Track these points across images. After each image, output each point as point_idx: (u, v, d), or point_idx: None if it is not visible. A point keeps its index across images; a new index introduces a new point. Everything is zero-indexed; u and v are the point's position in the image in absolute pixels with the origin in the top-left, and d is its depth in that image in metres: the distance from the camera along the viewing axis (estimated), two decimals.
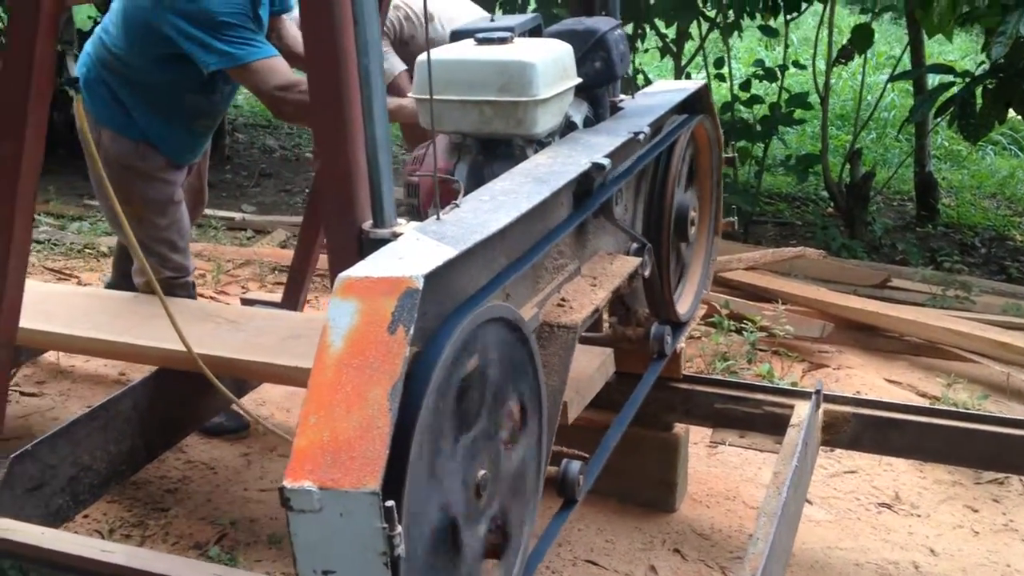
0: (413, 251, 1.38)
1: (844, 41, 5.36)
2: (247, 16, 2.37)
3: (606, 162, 1.85)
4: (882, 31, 9.51)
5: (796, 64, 5.44)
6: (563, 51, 2.05)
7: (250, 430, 3.15)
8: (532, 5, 5.52)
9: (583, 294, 1.93)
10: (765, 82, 5.30)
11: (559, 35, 2.16)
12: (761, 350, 3.69)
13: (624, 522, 2.71)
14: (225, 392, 2.37)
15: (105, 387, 3.35)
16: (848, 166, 5.47)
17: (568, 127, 2.12)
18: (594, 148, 1.96)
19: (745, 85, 5.35)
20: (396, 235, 1.50)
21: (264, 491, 2.86)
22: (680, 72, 5.41)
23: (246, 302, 3.11)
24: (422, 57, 2.07)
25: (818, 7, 5.37)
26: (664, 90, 2.49)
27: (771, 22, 5.21)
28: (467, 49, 2.00)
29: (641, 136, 2.05)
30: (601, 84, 2.20)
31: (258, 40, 2.37)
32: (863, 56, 5.33)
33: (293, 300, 3.02)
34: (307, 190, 6.34)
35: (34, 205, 1.81)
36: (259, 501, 2.81)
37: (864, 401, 2.56)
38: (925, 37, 5.35)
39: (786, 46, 5.35)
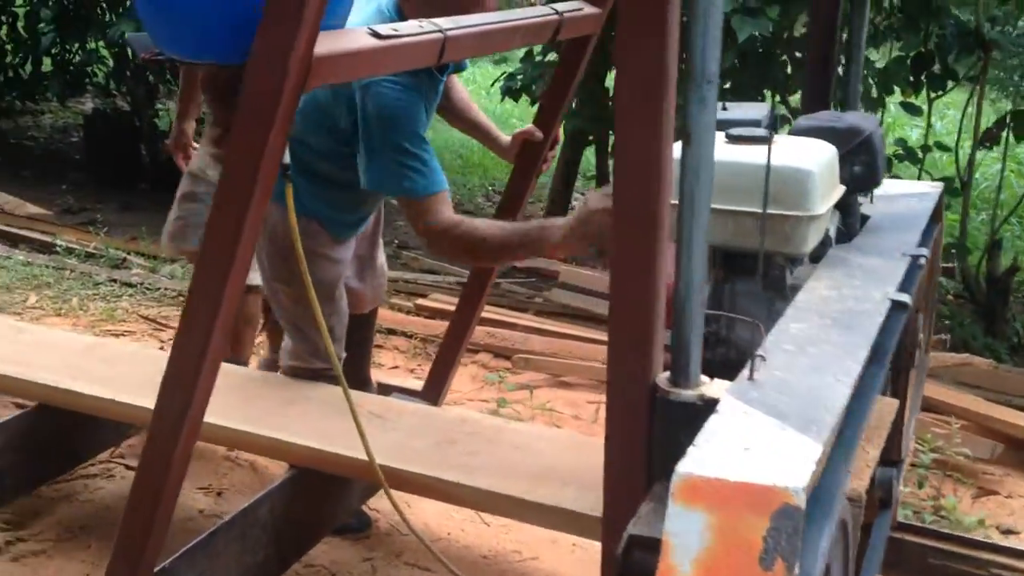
0: (757, 436, 1.07)
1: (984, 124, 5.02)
2: (421, 138, 2.10)
3: (907, 299, 1.54)
4: None
5: (939, 146, 5.11)
6: (832, 155, 1.75)
7: (371, 530, 2.84)
8: None
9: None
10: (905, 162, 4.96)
11: (813, 132, 1.86)
12: (929, 469, 3.32)
13: None
14: (405, 520, 2.08)
15: (214, 464, 3.07)
16: (986, 257, 5.11)
17: (822, 242, 1.81)
18: (874, 275, 1.65)
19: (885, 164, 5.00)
20: (705, 399, 1.20)
21: None
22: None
23: (384, 388, 2.82)
24: None
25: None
26: (905, 193, 2.18)
27: (913, 99, 4.89)
28: (719, 147, 1.71)
29: (922, 260, 1.74)
30: (859, 191, 1.90)
31: (424, 168, 2.09)
32: (1005, 142, 4.99)
33: (436, 392, 2.72)
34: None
35: (240, 295, 1.53)
36: None
37: None
38: None
39: (928, 125, 5.03)
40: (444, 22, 1.67)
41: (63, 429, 2.64)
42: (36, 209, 5.77)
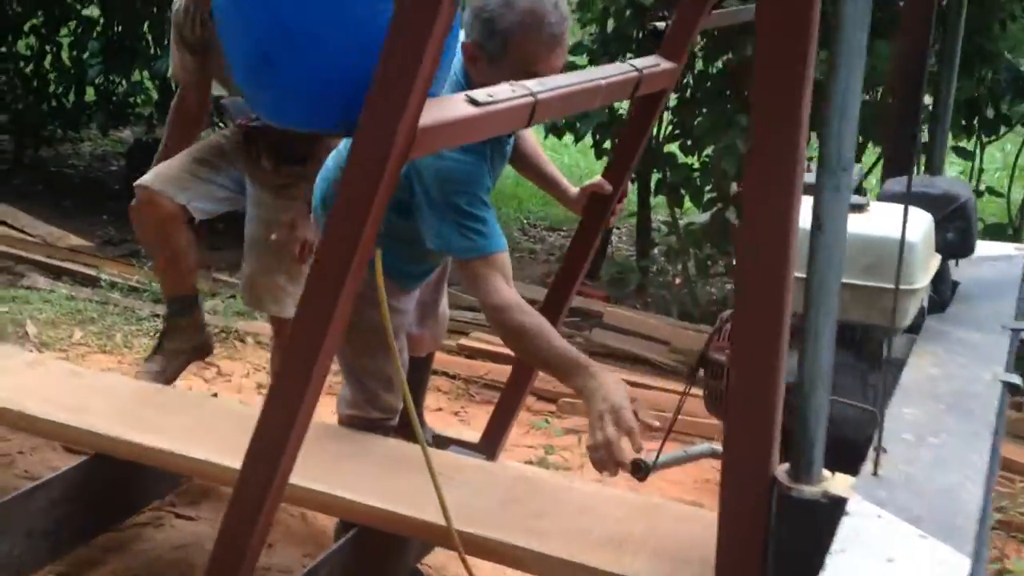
0: (898, 546, 1.02)
1: None
2: (483, 202, 2.08)
3: (1019, 382, 1.48)
4: None
5: (991, 191, 5.03)
6: (929, 224, 1.70)
7: None
8: None
9: None
10: None
11: (905, 197, 1.80)
12: (993, 530, 3.22)
13: None
14: None
15: None
16: None
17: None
18: (977, 352, 1.59)
19: None
20: (830, 497, 1.14)
21: None
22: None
23: (440, 440, 2.77)
24: None
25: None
26: (990, 256, 2.11)
27: (965, 143, 4.82)
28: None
29: None
30: (952, 258, 1.84)
31: (484, 228, 2.07)
32: None
33: (493, 444, 2.67)
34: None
35: (331, 360, 1.49)
36: None
37: None
38: None
39: (980, 171, 4.95)
40: (533, 85, 1.64)
41: (118, 478, 2.61)
42: (78, 240, 5.79)
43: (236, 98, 1.59)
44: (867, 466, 1.18)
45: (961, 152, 4.87)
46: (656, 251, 6.15)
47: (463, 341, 4.69)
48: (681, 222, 5.45)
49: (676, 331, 4.78)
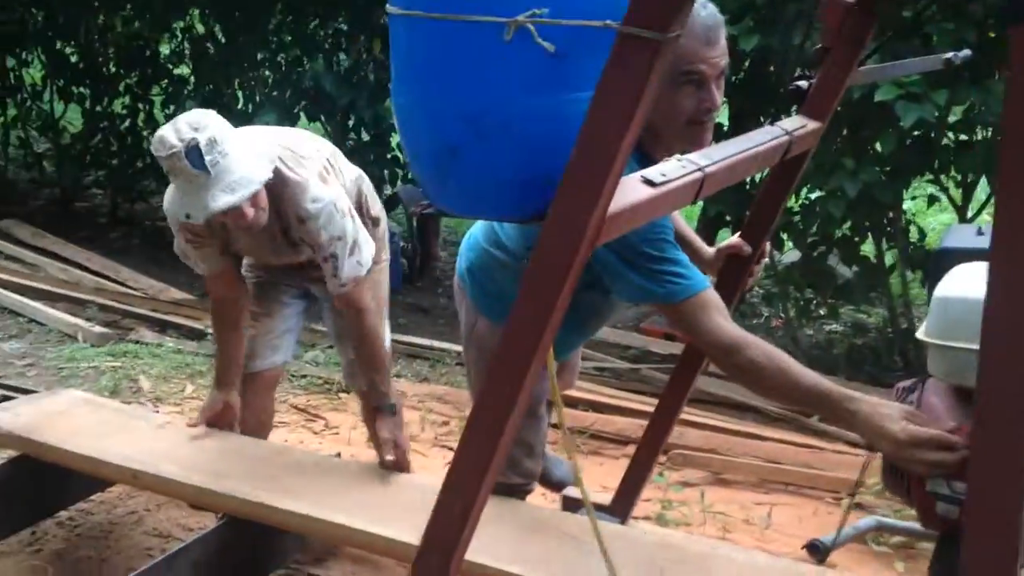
0: None
1: None
2: (671, 243, 1.93)
3: None
4: None
5: None
6: None
7: None
8: None
9: None
10: None
11: None
12: None
13: None
14: None
15: (389, 571, 3.02)
16: None
17: None
18: None
19: None
20: None
21: None
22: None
23: (569, 502, 2.73)
24: (944, 294, 1.70)
25: None
26: None
27: None
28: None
29: None
30: None
31: (681, 271, 1.91)
32: None
33: (625, 506, 2.62)
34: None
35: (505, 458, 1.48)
36: None
37: None
38: None
39: None
40: (698, 158, 1.62)
41: (253, 539, 2.64)
42: (179, 294, 5.92)
43: (409, 186, 1.60)
44: None
45: None
46: (751, 294, 6.06)
47: (565, 391, 4.64)
48: (779, 264, 5.37)
49: None
